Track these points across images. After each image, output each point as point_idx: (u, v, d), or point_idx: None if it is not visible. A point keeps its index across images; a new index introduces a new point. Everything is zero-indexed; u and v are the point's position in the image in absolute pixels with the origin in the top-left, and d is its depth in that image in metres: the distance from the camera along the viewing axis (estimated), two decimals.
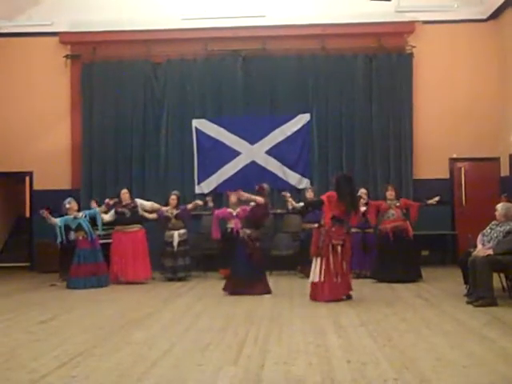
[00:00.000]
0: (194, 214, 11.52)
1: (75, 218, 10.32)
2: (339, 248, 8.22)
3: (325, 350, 5.49)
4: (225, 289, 9.08)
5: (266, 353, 5.41)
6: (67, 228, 10.33)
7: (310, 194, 11.10)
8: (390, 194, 10.44)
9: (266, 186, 9.30)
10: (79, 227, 10.28)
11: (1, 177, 13.49)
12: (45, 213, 10.10)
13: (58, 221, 10.22)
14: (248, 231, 9.13)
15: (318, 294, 8.19)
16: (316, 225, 8.65)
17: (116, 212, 10.80)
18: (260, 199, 9.07)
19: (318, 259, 8.22)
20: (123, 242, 10.67)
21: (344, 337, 6.00)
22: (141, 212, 10.95)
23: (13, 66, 13.08)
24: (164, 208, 11.01)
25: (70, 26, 12.86)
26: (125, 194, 10.99)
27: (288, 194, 9.93)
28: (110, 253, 10.74)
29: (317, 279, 8.20)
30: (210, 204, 11.14)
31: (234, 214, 11.00)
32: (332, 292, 8.13)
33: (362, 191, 10.50)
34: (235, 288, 8.92)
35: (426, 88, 12.66)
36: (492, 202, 9.32)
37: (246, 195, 9.21)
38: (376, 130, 12.64)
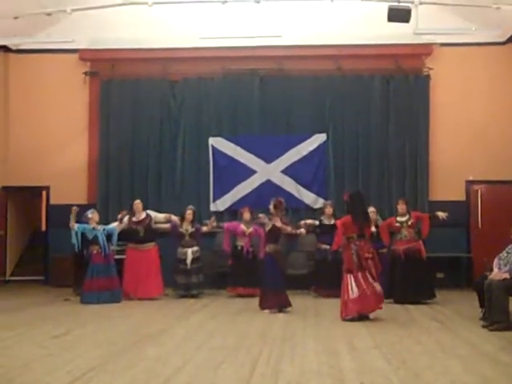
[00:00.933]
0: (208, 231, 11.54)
1: (94, 228, 10.40)
2: (370, 262, 8.25)
3: (338, 371, 5.44)
4: (263, 307, 9.07)
5: (279, 373, 5.37)
6: (84, 240, 10.39)
7: (328, 210, 11.16)
8: (401, 207, 10.43)
9: (282, 200, 9.39)
10: (95, 239, 10.37)
11: (18, 191, 13.60)
12: (75, 209, 10.28)
13: (76, 226, 10.30)
14: (273, 246, 9.18)
15: (351, 309, 8.14)
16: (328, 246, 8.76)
17: (129, 222, 10.88)
18: (291, 230, 9.72)
19: (354, 275, 8.20)
20: (136, 259, 10.74)
21: (357, 359, 5.94)
22: (154, 226, 11.00)
23: (32, 82, 13.21)
24: (174, 218, 11.03)
25: (89, 43, 12.99)
26: (138, 204, 11.07)
27: (303, 231, 10.33)
28: (122, 268, 10.79)
29: (354, 295, 8.15)
30: (214, 224, 11.19)
31: (247, 233, 11.03)
32: (363, 306, 8.14)
33: (371, 209, 10.47)
34: (272, 303, 8.98)
35: (443, 110, 12.63)
36: (509, 225, 9.21)
37: (288, 229, 9.51)
38: (392, 152, 12.62)
